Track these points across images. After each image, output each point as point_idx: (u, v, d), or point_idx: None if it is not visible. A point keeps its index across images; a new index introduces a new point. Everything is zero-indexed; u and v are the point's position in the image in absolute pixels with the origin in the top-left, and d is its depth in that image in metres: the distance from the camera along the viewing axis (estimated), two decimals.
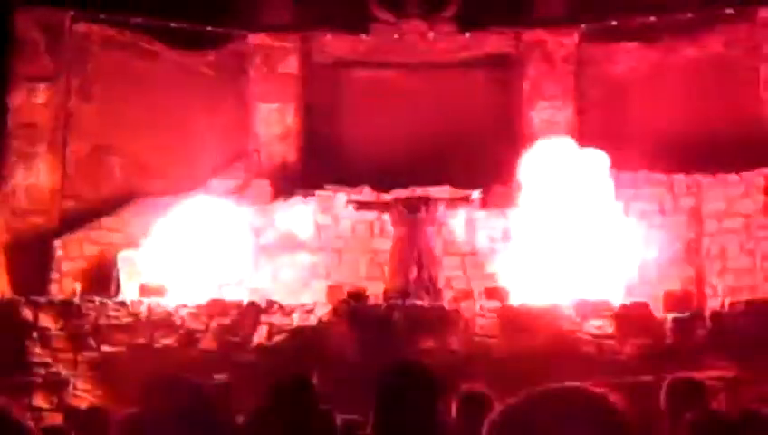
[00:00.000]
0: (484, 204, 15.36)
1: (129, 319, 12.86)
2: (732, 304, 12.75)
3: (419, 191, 14.97)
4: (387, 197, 15.04)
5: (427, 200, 14.44)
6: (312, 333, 12.60)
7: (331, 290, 13.77)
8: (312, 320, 12.79)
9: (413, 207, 14.12)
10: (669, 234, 15.24)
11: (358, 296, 13.08)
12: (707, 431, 4.00)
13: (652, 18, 16.27)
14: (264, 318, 12.84)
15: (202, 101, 16.72)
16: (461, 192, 14.99)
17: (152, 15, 16.20)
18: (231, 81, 16.99)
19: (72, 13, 16.14)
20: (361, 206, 14.90)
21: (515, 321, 12.58)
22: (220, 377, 11.51)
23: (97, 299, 13.34)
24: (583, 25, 16.52)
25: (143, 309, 12.97)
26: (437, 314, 12.70)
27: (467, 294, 13.87)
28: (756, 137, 15.46)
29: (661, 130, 15.78)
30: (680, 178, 15.50)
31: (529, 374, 11.87)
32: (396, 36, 16.92)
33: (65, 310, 13.00)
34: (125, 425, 5.57)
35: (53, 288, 14.82)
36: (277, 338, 12.64)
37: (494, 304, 12.93)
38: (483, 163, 15.85)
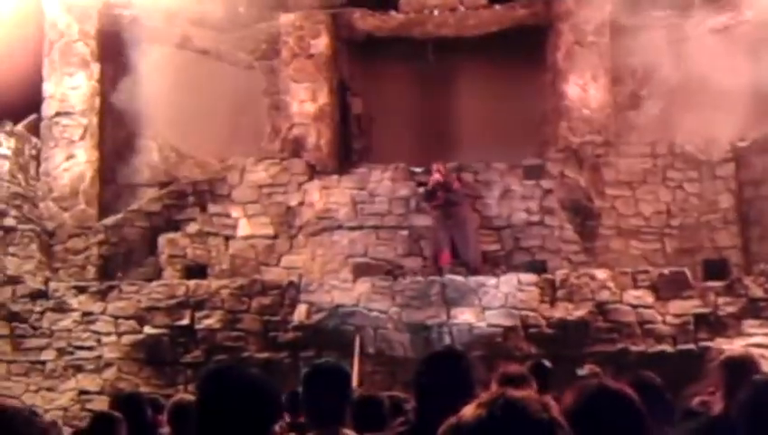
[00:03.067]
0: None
1: (171, 301, 12.93)
2: None
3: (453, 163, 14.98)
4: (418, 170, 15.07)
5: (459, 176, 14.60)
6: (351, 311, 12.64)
7: (357, 267, 13.77)
8: (352, 297, 12.79)
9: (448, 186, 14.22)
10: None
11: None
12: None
13: None
14: (303, 297, 12.87)
15: (236, 85, 16.71)
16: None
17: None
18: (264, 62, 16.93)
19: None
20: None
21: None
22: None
23: (138, 282, 13.47)
24: None
25: (184, 290, 13.03)
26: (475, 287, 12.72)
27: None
28: None
29: None
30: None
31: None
32: (426, 11, 16.79)
33: (108, 293, 13.11)
34: (177, 411, 5.59)
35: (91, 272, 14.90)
36: (317, 316, 12.65)
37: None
38: (517, 135, 15.82)
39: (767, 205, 14.73)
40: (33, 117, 15.84)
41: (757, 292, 12.39)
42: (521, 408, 2.17)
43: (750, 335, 12.06)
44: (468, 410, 2.20)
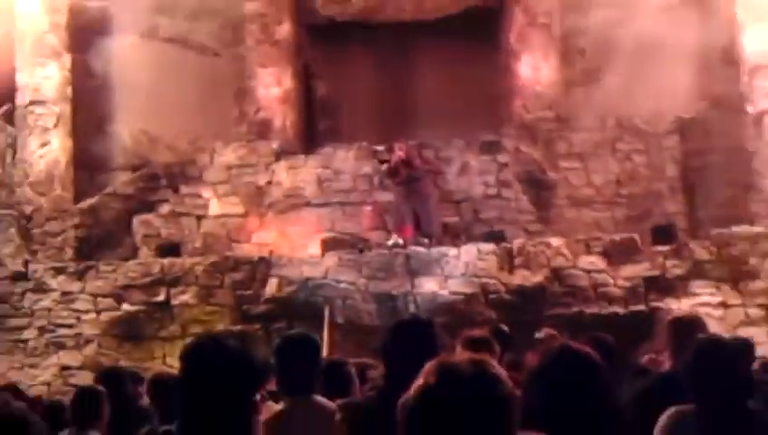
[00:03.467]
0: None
1: (147, 278, 12.87)
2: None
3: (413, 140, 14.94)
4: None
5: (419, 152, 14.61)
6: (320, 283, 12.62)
7: (324, 242, 13.75)
8: (320, 271, 12.75)
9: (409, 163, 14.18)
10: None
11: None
12: (710, 356, 4.02)
13: None
14: (274, 271, 12.82)
15: (203, 71, 16.64)
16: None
17: None
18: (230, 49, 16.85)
19: None
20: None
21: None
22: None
23: (115, 261, 13.40)
24: None
25: (159, 268, 12.98)
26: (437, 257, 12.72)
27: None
28: None
29: None
30: None
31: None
32: None
33: (86, 273, 13.04)
34: (157, 385, 5.54)
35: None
36: (287, 289, 12.60)
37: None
38: (474, 113, 15.82)
39: (709, 173, 14.88)
40: (7, 107, 15.63)
41: (702, 254, 12.50)
42: (456, 371, 2.22)
43: (696, 295, 12.19)
44: (414, 386, 2.25)
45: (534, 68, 15.97)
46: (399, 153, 14.39)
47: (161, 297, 12.76)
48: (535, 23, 16.06)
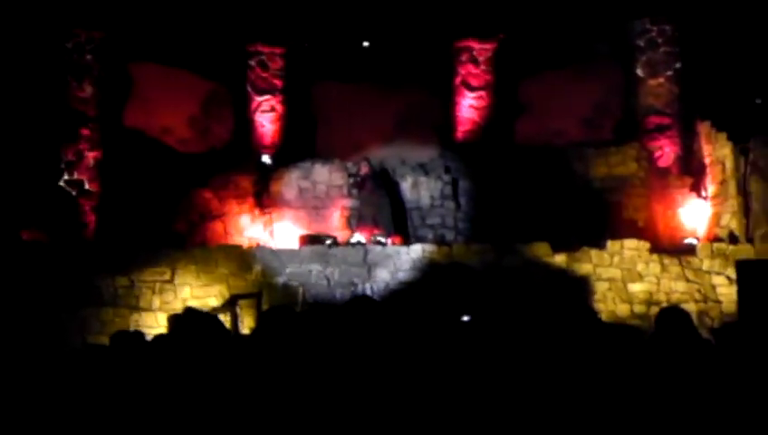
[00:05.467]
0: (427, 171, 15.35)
1: None
2: None
3: (375, 160, 15.00)
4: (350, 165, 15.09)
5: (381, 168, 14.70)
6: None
7: (302, 238, 13.71)
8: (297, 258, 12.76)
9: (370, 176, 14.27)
10: None
11: None
12: None
13: None
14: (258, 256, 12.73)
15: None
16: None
17: None
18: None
19: None
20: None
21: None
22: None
23: None
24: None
25: None
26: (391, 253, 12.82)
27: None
28: None
29: None
30: None
31: None
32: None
33: None
34: None
35: None
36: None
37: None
38: (428, 138, 15.90)
39: None
40: None
41: None
42: None
43: None
44: None
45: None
46: (365, 170, 14.51)
47: None
48: (477, 69, 16.20)
